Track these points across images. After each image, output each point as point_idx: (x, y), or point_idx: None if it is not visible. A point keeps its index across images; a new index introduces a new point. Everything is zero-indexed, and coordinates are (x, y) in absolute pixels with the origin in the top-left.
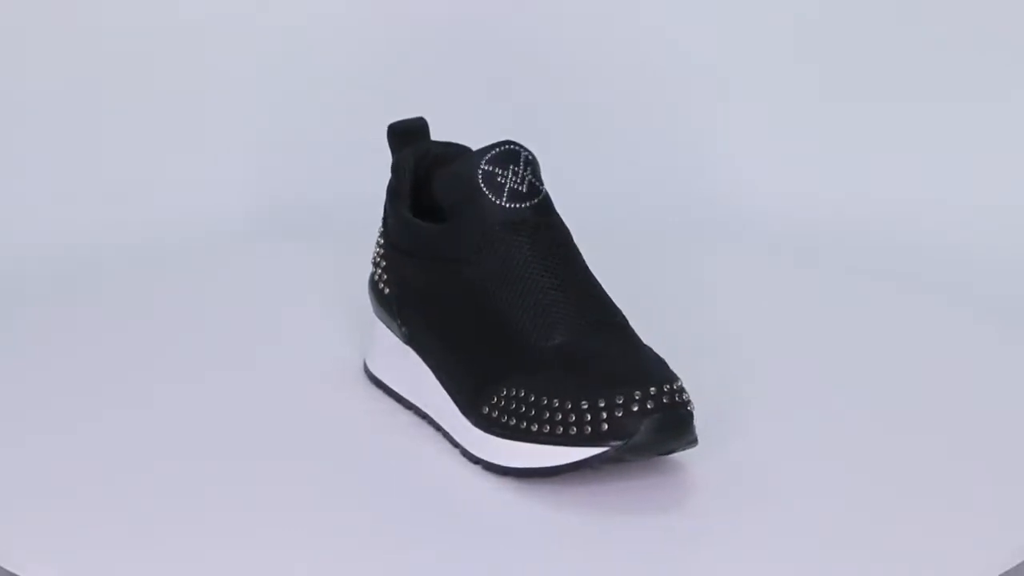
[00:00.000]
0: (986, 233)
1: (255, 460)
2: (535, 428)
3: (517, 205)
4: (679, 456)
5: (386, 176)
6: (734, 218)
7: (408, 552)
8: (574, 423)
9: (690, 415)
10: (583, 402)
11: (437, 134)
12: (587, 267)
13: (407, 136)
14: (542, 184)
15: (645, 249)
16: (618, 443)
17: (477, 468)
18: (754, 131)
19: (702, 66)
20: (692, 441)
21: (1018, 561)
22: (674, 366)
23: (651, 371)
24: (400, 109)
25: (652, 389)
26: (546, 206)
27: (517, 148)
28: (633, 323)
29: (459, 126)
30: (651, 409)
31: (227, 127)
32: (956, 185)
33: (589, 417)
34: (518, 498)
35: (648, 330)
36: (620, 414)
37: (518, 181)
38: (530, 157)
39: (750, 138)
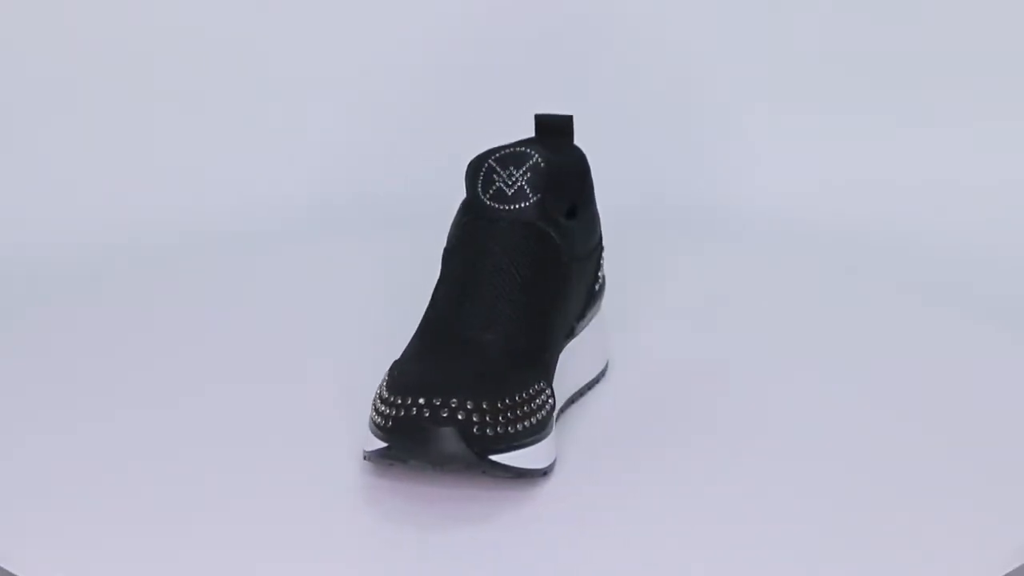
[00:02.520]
0: (986, 233)
1: (263, 462)
2: (371, 414)
3: (496, 205)
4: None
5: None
6: (733, 217)
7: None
8: (382, 415)
9: (428, 430)
10: (391, 397)
11: (445, 124)
12: (532, 282)
13: (551, 130)
14: (536, 193)
15: (645, 248)
16: (388, 442)
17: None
18: (755, 131)
19: (704, 67)
20: (463, 460)
21: (1019, 563)
22: (668, 363)
23: (439, 384)
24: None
25: (421, 400)
26: (527, 213)
27: (528, 152)
28: (632, 322)
29: (466, 123)
30: (402, 416)
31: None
32: (957, 185)
33: (387, 411)
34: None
35: (648, 328)
36: (402, 414)
37: (510, 184)
38: (540, 164)
39: (751, 138)
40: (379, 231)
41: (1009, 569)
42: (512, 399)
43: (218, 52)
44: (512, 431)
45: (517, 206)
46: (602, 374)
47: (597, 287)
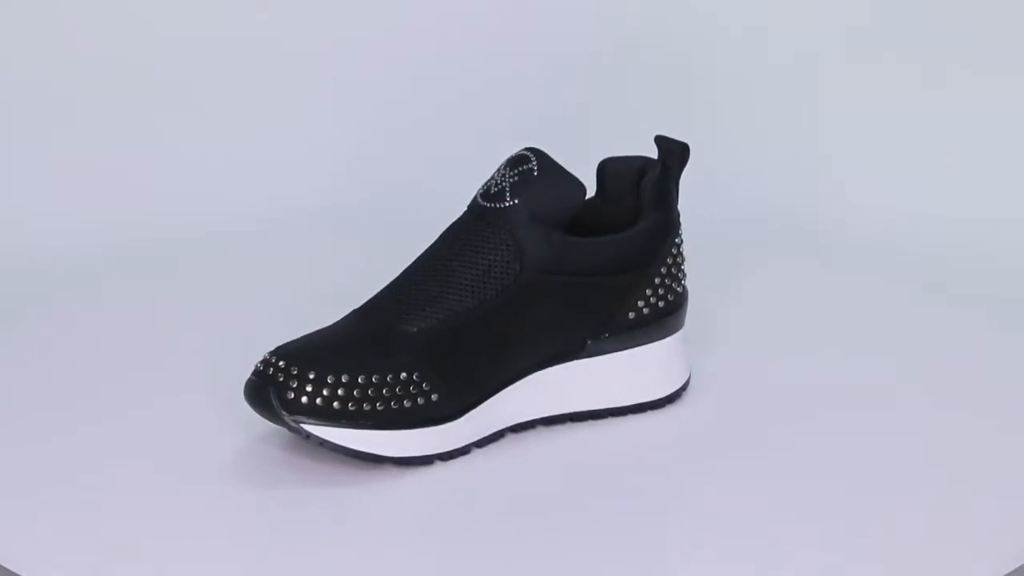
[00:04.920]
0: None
1: (262, 463)
2: None
3: (480, 202)
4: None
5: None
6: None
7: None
8: None
9: (258, 387)
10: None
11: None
12: (470, 280)
13: (665, 153)
14: (515, 198)
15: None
16: None
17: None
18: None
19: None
20: (272, 414)
21: (1019, 564)
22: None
23: (291, 347)
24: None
25: (267, 357)
26: (496, 213)
27: (526, 155)
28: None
29: (469, 124)
30: (253, 369)
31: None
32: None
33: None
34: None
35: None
36: (254, 367)
37: (499, 183)
38: (533, 172)
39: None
40: (378, 231)
41: (1009, 570)
42: (356, 379)
43: (219, 53)
44: (341, 407)
45: (493, 205)
46: (655, 404)
47: (632, 315)
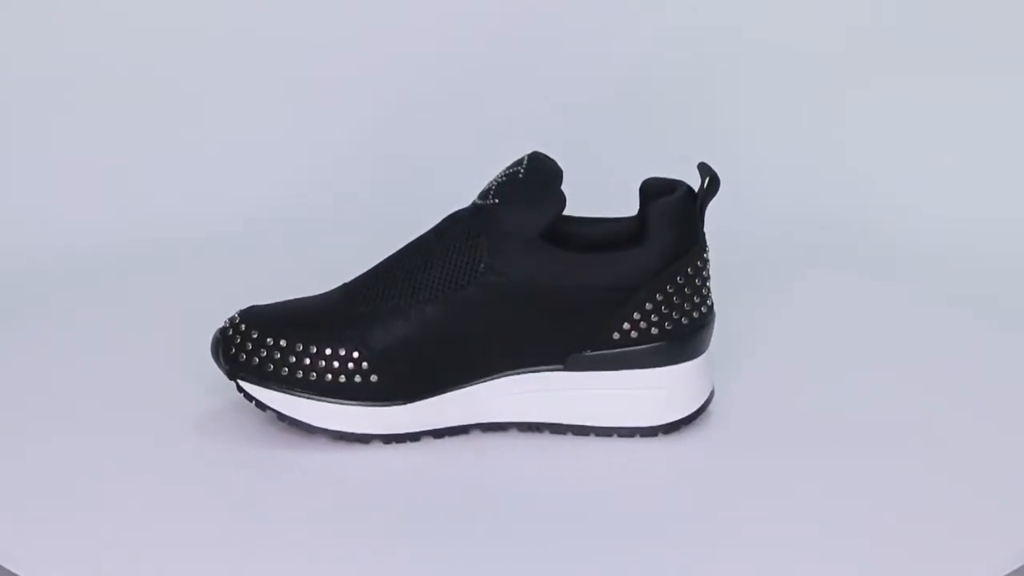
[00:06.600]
0: None
1: (261, 463)
2: None
3: (475, 197)
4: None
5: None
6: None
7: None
8: None
9: (217, 342)
10: None
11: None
12: (432, 273)
13: (704, 177)
14: (496, 198)
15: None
16: None
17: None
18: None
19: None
20: (222, 371)
21: (1018, 564)
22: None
23: (253, 308)
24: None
25: (236, 315)
26: (480, 210)
27: (522, 158)
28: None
29: (468, 124)
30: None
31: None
32: None
33: None
34: None
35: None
36: None
37: (492, 182)
38: (519, 173)
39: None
40: (379, 231)
41: (1009, 570)
42: (294, 346)
43: (219, 53)
44: (275, 370)
45: (480, 201)
46: (647, 431)
47: (617, 335)
